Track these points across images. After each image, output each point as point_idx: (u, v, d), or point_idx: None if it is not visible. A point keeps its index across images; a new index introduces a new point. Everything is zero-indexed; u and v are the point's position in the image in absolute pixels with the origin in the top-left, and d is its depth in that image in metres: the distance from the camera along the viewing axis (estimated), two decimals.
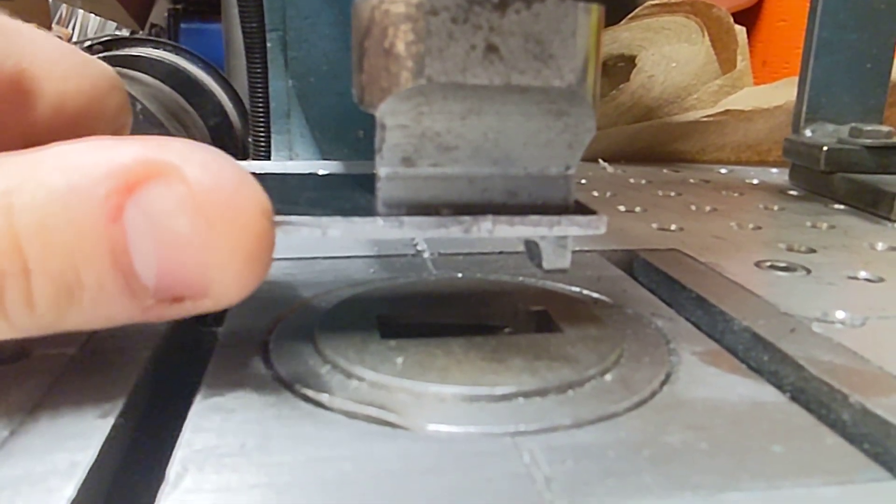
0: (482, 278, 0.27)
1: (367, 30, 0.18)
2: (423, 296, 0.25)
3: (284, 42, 0.64)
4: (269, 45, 0.65)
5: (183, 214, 0.14)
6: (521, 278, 0.27)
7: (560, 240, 0.21)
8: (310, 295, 0.25)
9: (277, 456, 0.15)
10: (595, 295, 0.26)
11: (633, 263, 0.31)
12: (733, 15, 0.88)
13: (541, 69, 0.18)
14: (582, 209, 0.21)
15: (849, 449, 0.17)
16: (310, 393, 0.18)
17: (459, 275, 0.27)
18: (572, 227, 0.20)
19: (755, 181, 0.51)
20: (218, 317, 0.26)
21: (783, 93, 0.54)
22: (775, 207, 0.43)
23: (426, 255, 0.30)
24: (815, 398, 0.20)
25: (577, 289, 0.26)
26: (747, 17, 0.95)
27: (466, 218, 0.19)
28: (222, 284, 0.15)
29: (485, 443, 0.16)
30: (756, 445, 0.17)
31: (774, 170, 0.55)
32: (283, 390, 0.18)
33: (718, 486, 0.15)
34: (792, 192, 0.47)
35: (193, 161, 0.15)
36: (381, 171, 0.19)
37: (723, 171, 0.55)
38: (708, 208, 0.41)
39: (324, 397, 0.18)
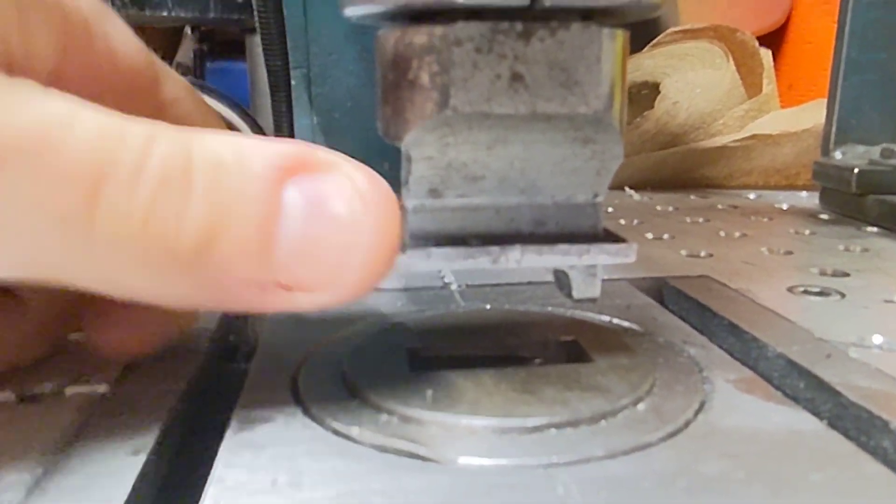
0: (511, 309, 0.27)
1: (392, 62, 0.19)
2: (451, 328, 0.25)
3: (308, 79, 0.65)
4: (293, 82, 0.65)
5: (342, 201, 0.16)
6: (549, 308, 0.27)
7: (589, 269, 0.20)
8: (338, 330, 0.25)
9: (308, 492, 0.15)
10: (625, 324, 0.26)
11: (663, 291, 0.31)
12: (758, 38, 0.88)
13: (566, 96, 0.18)
14: (611, 237, 0.20)
15: (891, 477, 0.16)
16: (339, 427, 0.18)
17: (488, 306, 0.27)
18: (602, 256, 0.20)
19: (784, 206, 0.50)
20: (248, 353, 0.26)
21: (810, 115, 0.53)
22: (806, 232, 0.42)
23: (454, 287, 0.30)
24: (854, 425, 0.20)
25: (607, 318, 0.26)
26: (772, 40, 0.95)
27: (494, 248, 0.19)
28: (353, 274, 0.16)
29: (517, 475, 0.16)
30: (794, 474, 0.16)
31: (804, 194, 0.54)
32: (314, 425, 0.18)
33: None
34: (823, 216, 0.47)
35: (348, 161, 0.17)
36: (408, 203, 0.19)
37: (751, 196, 0.54)
38: (737, 234, 0.41)
39: (354, 431, 0.17)
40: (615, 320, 0.26)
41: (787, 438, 0.18)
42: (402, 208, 0.20)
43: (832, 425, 0.19)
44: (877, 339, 0.24)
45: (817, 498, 0.15)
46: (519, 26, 0.17)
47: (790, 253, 0.37)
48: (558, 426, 0.18)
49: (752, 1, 0.89)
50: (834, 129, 0.47)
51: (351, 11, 0.19)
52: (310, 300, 0.16)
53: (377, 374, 0.20)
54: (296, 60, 0.66)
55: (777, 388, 0.22)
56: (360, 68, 0.64)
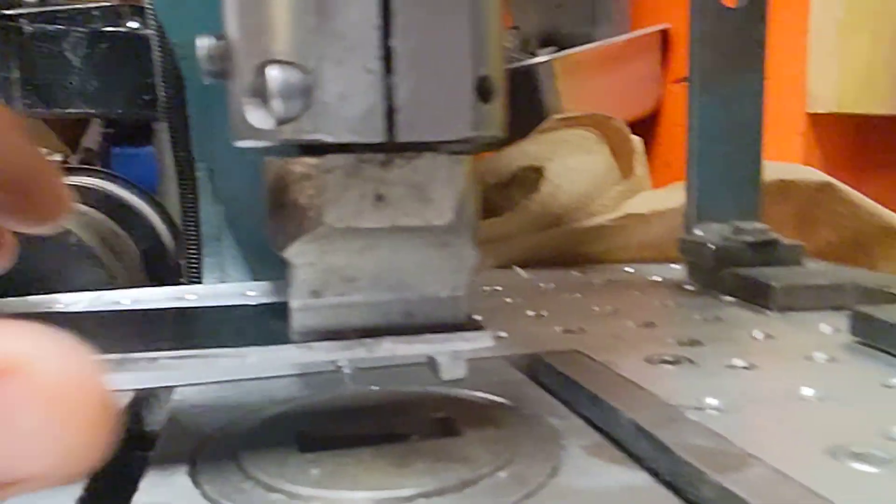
0: (394, 390, 0.29)
1: (275, 185, 0.22)
2: (340, 410, 0.27)
3: (213, 172, 0.67)
4: (199, 174, 0.68)
5: (30, 407, 0.15)
6: (429, 388, 0.30)
7: (455, 353, 0.23)
8: (235, 416, 0.27)
9: None
10: (497, 399, 0.29)
11: (537, 366, 0.34)
12: (635, 122, 0.96)
13: (423, 211, 0.21)
14: (472, 325, 0.24)
15: None
16: None
17: (374, 387, 0.30)
18: (461, 343, 0.23)
19: (657, 278, 0.55)
20: (150, 441, 0.28)
21: (676, 195, 0.59)
22: (671, 303, 0.47)
23: (345, 370, 0.32)
24: (685, 480, 0.23)
25: (482, 394, 0.29)
26: (649, 124, 1.04)
27: (369, 340, 0.22)
28: (64, 466, 0.16)
29: None
30: None
31: (676, 266, 0.59)
32: None
33: None
34: (688, 288, 0.52)
35: (43, 355, 0.15)
36: (293, 303, 0.22)
37: (629, 269, 0.59)
38: (609, 308, 0.45)
39: None
40: (489, 396, 0.29)
41: (621, 494, 0.21)
42: (289, 308, 0.22)
43: (669, 481, 0.23)
44: (713, 401, 0.28)
45: None
46: (380, 156, 0.21)
47: (653, 325, 0.41)
48: (427, 495, 0.20)
49: (626, 91, 0.98)
50: (692, 209, 0.53)
51: (241, 144, 0.22)
52: (46, 483, 0.16)
53: (269, 456, 0.22)
54: (201, 156, 0.69)
55: (628, 450, 0.25)
56: (260, 162, 0.67)
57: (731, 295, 0.48)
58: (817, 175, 0.58)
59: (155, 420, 0.30)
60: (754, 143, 0.51)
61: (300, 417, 0.26)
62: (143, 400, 0.30)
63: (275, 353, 0.21)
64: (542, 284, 0.53)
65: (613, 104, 0.92)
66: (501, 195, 0.72)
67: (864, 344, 0.35)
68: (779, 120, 0.90)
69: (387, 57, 0.20)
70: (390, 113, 0.20)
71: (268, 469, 0.22)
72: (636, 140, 0.70)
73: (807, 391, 0.29)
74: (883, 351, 0.33)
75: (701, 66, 0.51)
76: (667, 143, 1.04)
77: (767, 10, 0.52)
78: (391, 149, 0.21)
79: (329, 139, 0.20)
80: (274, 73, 0.20)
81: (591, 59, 0.96)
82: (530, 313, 0.44)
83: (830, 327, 0.38)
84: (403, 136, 0.20)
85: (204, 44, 0.22)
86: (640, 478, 0.22)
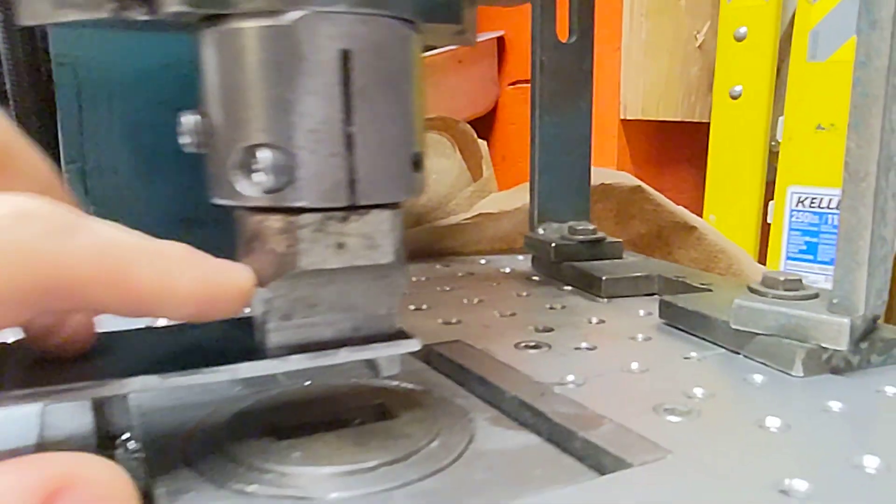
0: (328, 384, 0.36)
1: (254, 236, 0.28)
2: (294, 403, 0.34)
3: (84, 172, 0.68)
4: (66, 175, 0.68)
5: None
6: (354, 380, 0.37)
7: (392, 356, 0.31)
8: (202, 415, 0.33)
9: None
10: (412, 386, 0.36)
11: (430, 356, 0.42)
12: (473, 121, 1.05)
13: (371, 253, 0.28)
14: (403, 335, 0.31)
15: (577, 465, 0.29)
16: (240, 487, 0.26)
17: (307, 383, 0.36)
18: (397, 348, 0.30)
19: (507, 269, 0.65)
20: (125, 442, 0.33)
21: (521, 196, 0.69)
22: (524, 293, 0.56)
23: None
24: (560, 437, 0.32)
25: (397, 382, 0.36)
26: (487, 121, 1.15)
27: (330, 350, 0.29)
28: None
29: (367, 500, 0.26)
30: (526, 471, 0.28)
31: (521, 257, 0.69)
32: (220, 490, 0.26)
33: (505, 494, 0.26)
34: (535, 278, 0.62)
35: (89, 466, 0.19)
36: (269, 325, 0.28)
37: (482, 261, 0.69)
38: (476, 300, 0.54)
39: (252, 487, 0.26)
40: (404, 384, 0.36)
41: (521, 452, 0.30)
42: (265, 329, 0.28)
43: (549, 439, 0.31)
44: (570, 377, 0.37)
45: (538, 482, 0.27)
46: (340, 213, 0.28)
47: (514, 314, 0.50)
48: (387, 464, 0.28)
49: (468, 93, 1.08)
50: (536, 211, 0.62)
51: (222, 202, 0.28)
52: None
53: (251, 445, 0.29)
54: (70, 156, 0.69)
55: (515, 419, 0.33)
56: (137, 161, 0.69)
57: (569, 284, 0.58)
58: (630, 179, 0.71)
59: (117, 423, 0.35)
60: (585, 156, 0.62)
61: (263, 411, 0.32)
62: (100, 405, 0.35)
63: (262, 366, 0.28)
64: (414, 278, 0.61)
65: (459, 104, 1.01)
66: None
67: (669, 325, 0.46)
68: (600, 126, 1.04)
69: (349, 143, 0.27)
70: (352, 184, 0.27)
71: (256, 455, 0.28)
72: (482, 143, 0.79)
73: (634, 365, 0.39)
74: (681, 330, 0.45)
75: (542, 91, 0.60)
76: (503, 138, 1.16)
77: (593, 42, 0.62)
78: (351, 207, 0.28)
79: (307, 205, 0.27)
80: (265, 155, 0.26)
81: (439, 62, 1.05)
82: (412, 307, 0.51)
83: (645, 311, 0.49)
84: (362, 201, 0.27)
85: (189, 121, 0.28)
86: (532, 439, 0.31)
